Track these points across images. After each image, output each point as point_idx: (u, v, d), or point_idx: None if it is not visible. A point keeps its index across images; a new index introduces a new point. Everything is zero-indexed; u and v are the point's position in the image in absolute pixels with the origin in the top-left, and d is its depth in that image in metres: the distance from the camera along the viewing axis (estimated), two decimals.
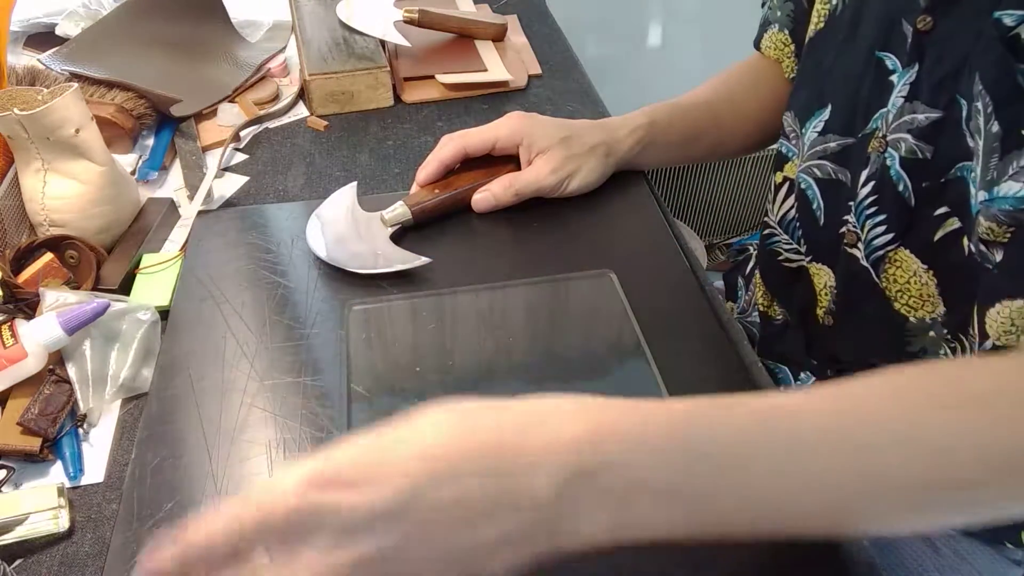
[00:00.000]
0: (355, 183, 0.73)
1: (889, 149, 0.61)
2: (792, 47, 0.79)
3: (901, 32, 0.60)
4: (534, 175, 0.71)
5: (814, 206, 0.70)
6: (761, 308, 0.82)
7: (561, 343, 0.60)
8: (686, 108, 0.79)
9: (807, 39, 0.70)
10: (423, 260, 0.65)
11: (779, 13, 0.78)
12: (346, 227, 0.69)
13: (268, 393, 0.57)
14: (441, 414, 0.36)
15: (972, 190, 0.55)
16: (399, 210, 0.69)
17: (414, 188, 0.72)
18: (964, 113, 0.55)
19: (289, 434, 0.54)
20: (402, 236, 0.70)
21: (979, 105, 0.53)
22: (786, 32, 0.78)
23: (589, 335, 0.60)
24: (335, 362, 0.58)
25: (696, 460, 0.36)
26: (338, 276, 0.66)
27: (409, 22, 0.98)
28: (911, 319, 0.65)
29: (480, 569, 0.35)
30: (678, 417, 0.37)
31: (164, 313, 0.65)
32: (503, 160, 0.73)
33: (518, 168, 0.73)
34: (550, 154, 0.71)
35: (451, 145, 0.72)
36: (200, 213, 0.74)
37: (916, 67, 0.58)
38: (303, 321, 0.62)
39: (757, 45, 0.82)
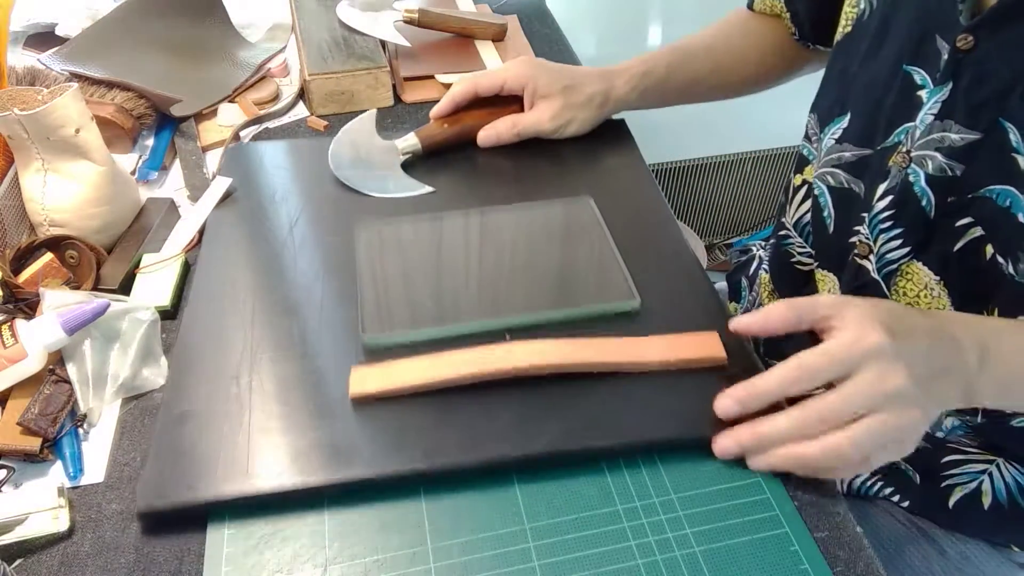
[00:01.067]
0: (375, 110, 0.83)
1: (913, 165, 0.60)
2: (788, 14, 0.80)
3: (935, 47, 0.58)
4: (535, 119, 0.79)
5: (824, 213, 0.70)
6: None
7: (543, 258, 0.68)
8: (685, 54, 0.84)
9: (836, 41, 0.70)
10: (427, 189, 0.75)
11: None
12: (364, 151, 0.78)
13: (293, 287, 0.65)
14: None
15: (1019, 211, 0.55)
16: (411, 140, 0.78)
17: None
18: (1013, 138, 0.54)
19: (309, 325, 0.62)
20: (412, 164, 0.78)
21: None
22: (780, 1, 0.80)
23: (570, 251, 0.69)
24: (348, 268, 0.66)
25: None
26: (351, 197, 0.75)
27: (409, 22, 0.98)
28: None
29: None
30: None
31: (164, 313, 0.65)
32: (507, 101, 0.81)
33: (522, 109, 0.80)
34: (551, 101, 0.78)
35: (463, 85, 0.80)
36: (229, 149, 0.83)
37: (950, 85, 0.57)
38: (322, 232, 0.71)
39: (751, 6, 0.84)
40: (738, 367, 0.57)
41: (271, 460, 0.52)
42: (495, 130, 0.79)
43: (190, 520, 0.51)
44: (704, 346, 0.58)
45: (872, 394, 0.48)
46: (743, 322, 0.54)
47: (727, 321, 0.58)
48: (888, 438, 0.48)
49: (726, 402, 0.52)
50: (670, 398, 0.56)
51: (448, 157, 0.80)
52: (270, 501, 0.51)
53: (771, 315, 0.53)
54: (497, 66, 0.96)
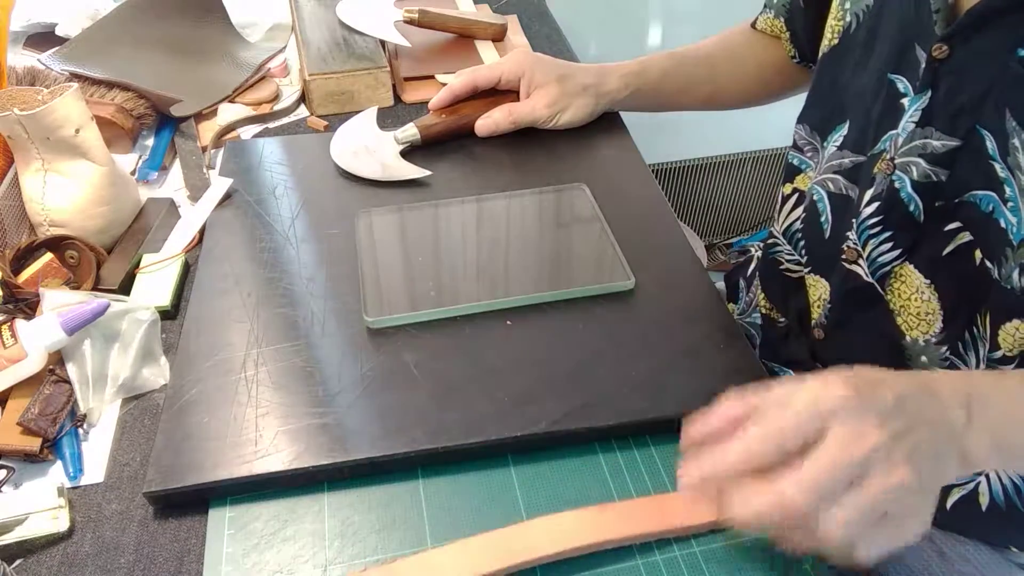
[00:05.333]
0: (375, 108, 0.85)
1: (897, 171, 0.60)
2: (788, 34, 0.81)
3: (915, 56, 0.59)
4: (531, 107, 0.81)
5: (822, 219, 0.70)
6: (763, 311, 0.82)
7: (539, 242, 0.70)
8: (682, 59, 0.85)
9: (821, 53, 0.70)
10: (424, 172, 0.77)
11: (775, 0, 0.81)
12: (364, 142, 0.80)
13: (297, 276, 0.67)
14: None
15: (1001, 217, 0.55)
16: (410, 130, 0.80)
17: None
18: (989, 145, 0.55)
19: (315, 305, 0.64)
20: (411, 154, 0.80)
21: (1016, 142, 0.53)
22: (781, 20, 0.81)
23: (566, 235, 0.70)
24: (349, 259, 0.67)
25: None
26: (351, 189, 0.76)
27: (409, 22, 0.98)
28: (907, 337, 0.65)
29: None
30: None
31: (164, 313, 0.65)
32: (504, 93, 0.83)
33: (518, 100, 0.82)
34: (547, 89, 0.80)
35: (463, 79, 0.81)
36: (230, 143, 0.84)
37: (929, 93, 0.58)
38: (323, 223, 0.72)
39: (754, 25, 0.85)
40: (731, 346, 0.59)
41: (278, 443, 0.53)
42: (492, 119, 0.80)
43: (195, 505, 0.52)
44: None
45: (852, 457, 0.40)
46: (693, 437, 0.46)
47: (721, 303, 0.61)
48: (879, 507, 0.41)
49: (690, 472, 0.44)
50: (670, 378, 0.57)
51: (446, 149, 0.81)
52: (278, 481, 0.52)
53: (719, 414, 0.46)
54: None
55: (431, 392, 0.56)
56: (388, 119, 0.90)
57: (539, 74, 0.80)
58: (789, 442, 0.41)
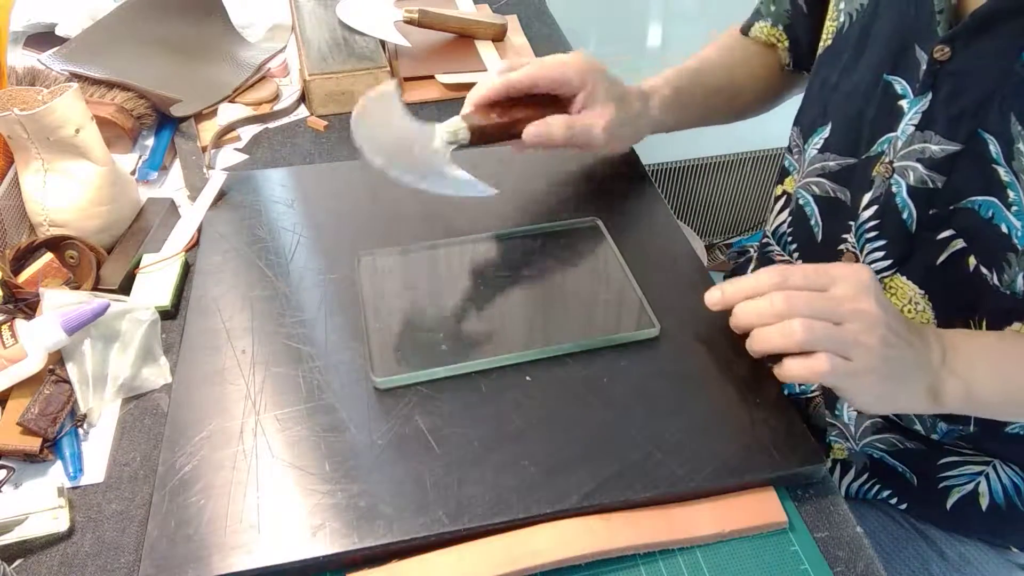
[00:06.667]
0: (393, 84, 0.68)
1: (896, 176, 0.60)
2: (787, 42, 0.79)
3: (914, 58, 0.58)
4: (589, 126, 0.68)
5: (812, 222, 0.70)
6: None
7: (555, 286, 0.66)
8: (704, 74, 0.80)
9: (817, 55, 0.70)
10: (492, 191, 0.65)
11: (772, 8, 0.79)
12: (401, 133, 0.65)
13: (294, 328, 0.62)
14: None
15: (1003, 222, 0.55)
16: (459, 128, 0.66)
17: (467, 108, 0.68)
18: (992, 150, 0.54)
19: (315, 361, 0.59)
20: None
21: (1021, 146, 0.52)
22: (780, 28, 0.79)
23: (582, 277, 0.67)
24: (351, 303, 0.63)
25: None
26: (351, 228, 0.71)
27: (409, 22, 0.98)
28: None
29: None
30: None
31: (164, 313, 0.65)
32: (550, 101, 0.70)
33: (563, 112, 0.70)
34: (606, 110, 0.69)
35: (523, 74, 0.67)
36: (223, 172, 0.78)
37: (930, 96, 0.57)
38: (323, 267, 0.67)
39: (745, 32, 0.83)
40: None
41: (286, 527, 0.49)
42: (548, 127, 0.66)
43: None
44: (761, 511, 0.51)
45: (839, 304, 0.51)
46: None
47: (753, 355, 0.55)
48: (844, 345, 0.51)
49: (713, 292, 0.57)
50: (704, 438, 0.53)
51: None
52: (285, 573, 0.48)
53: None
54: (500, 64, 0.96)
55: (449, 463, 0.52)
56: None
57: (601, 92, 0.69)
58: (801, 282, 0.52)
